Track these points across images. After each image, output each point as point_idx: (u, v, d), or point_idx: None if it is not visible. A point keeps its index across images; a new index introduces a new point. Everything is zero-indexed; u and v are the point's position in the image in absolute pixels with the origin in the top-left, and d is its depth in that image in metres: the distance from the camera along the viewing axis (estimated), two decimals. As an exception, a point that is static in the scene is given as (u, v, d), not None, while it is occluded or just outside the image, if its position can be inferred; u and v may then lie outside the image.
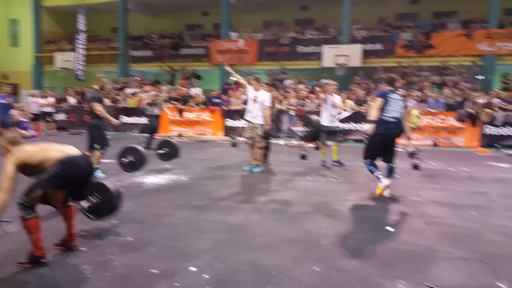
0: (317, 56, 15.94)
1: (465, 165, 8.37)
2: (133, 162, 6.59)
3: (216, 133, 13.73)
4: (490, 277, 3.21)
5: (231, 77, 11.42)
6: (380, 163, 5.73)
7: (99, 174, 6.60)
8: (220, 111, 13.80)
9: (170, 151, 7.64)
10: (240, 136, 12.71)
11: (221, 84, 16.71)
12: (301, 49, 16.71)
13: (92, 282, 3.10)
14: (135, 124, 14.56)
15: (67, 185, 3.47)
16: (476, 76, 14.72)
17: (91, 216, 4.10)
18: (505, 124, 11.12)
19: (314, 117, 6.31)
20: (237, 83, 14.02)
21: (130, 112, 14.76)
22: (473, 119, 11.33)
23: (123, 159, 6.64)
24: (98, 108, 6.49)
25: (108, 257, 3.54)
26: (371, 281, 3.15)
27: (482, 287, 3.06)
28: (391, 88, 5.72)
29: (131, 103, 15.13)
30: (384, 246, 3.88)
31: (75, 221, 3.74)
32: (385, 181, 5.52)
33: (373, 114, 5.59)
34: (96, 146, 6.57)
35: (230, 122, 13.61)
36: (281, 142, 11.73)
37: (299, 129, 12.51)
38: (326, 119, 7.90)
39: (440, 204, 5.37)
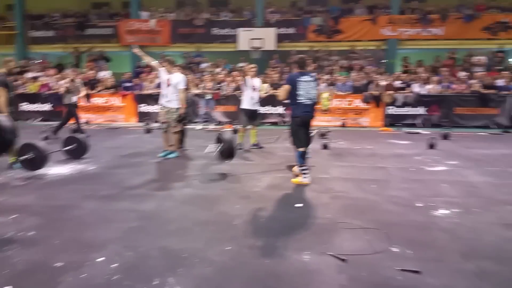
0: (233, 38, 15.92)
1: (368, 143, 9.03)
2: (32, 159, 5.95)
3: (129, 119, 13.17)
4: (385, 243, 3.54)
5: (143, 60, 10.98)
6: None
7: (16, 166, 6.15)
8: (132, 96, 13.22)
9: (77, 147, 7.10)
10: (154, 121, 12.39)
11: (133, 66, 16.01)
12: (216, 31, 16.56)
13: (-15, 282, 2.85)
14: (37, 112, 13.38)
15: None
16: (380, 60, 15.84)
17: None
18: (404, 104, 12.16)
19: (227, 134, 6.30)
20: (149, 66, 13.53)
21: (30, 98, 13.48)
22: (377, 100, 12.20)
23: (21, 158, 5.99)
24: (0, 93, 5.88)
25: (6, 254, 3.28)
26: (277, 254, 3.31)
27: (378, 252, 3.36)
28: (301, 71, 5.61)
29: (31, 88, 13.87)
30: (293, 222, 4.08)
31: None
32: (307, 180, 5.52)
33: (281, 96, 5.61)
34: None
35: (144, 107, 13.12)
36: (198, 126, 11.64)
37: (216, 114, 12.58)
38: (247, 102, 8.03)
39: (345, 180, 5.77)
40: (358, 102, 12.37)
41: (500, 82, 12.07)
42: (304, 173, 5.55)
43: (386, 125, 11.98)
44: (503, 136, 10.42)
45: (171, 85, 7.20)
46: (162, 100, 7.33)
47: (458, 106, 11.90)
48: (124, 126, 12.32)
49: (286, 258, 3.24)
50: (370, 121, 12.30)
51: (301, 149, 5.53)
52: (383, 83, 12.40)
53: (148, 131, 10.58)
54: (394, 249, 3.42)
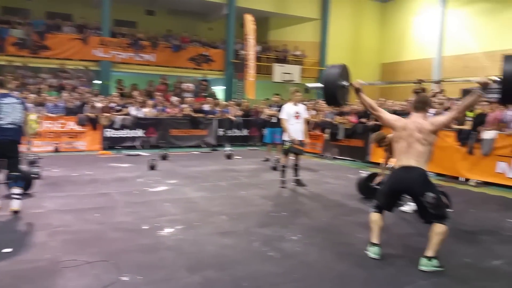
0: None
1: (88, 168, 8.49)
2: None
3: None
4: (114, 274, 3.31)
5: None
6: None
7: None
8: None
9: None
10: None
11: None
12: None
13: None
14: None
15: None
16: (93, 81, 15.40)
17: None
18: (123, 127, 12.14)
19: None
20: None
21: None
22: (93, 123, 11.70)
23: None
24: None
25: None
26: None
27: (107, 285, 3.10)
28: (3, 91, 5.10)
29: None
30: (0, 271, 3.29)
31: None
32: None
33: None
34: None
35: None
36: None
37: None
38: None
39: (64, 212, 5.16)
40: (72, 125, 11.52)
41: (206, 107, 13.88)
42: None
43: (105, 148, 11.63)
44: (212, 154, 11.91)
45: None
46: None
47: (173, 128, 12.87)
48: None
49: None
50: (87, 145, 11.65)
51: None
52: (99, 105, 12.05)
53: None
54: (124, 278, 3.24)
